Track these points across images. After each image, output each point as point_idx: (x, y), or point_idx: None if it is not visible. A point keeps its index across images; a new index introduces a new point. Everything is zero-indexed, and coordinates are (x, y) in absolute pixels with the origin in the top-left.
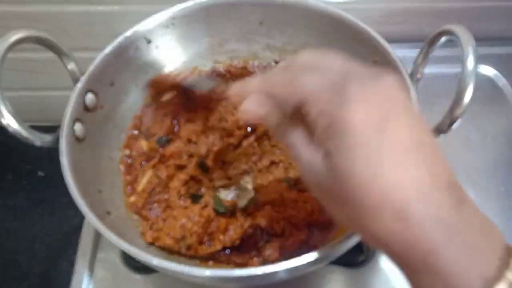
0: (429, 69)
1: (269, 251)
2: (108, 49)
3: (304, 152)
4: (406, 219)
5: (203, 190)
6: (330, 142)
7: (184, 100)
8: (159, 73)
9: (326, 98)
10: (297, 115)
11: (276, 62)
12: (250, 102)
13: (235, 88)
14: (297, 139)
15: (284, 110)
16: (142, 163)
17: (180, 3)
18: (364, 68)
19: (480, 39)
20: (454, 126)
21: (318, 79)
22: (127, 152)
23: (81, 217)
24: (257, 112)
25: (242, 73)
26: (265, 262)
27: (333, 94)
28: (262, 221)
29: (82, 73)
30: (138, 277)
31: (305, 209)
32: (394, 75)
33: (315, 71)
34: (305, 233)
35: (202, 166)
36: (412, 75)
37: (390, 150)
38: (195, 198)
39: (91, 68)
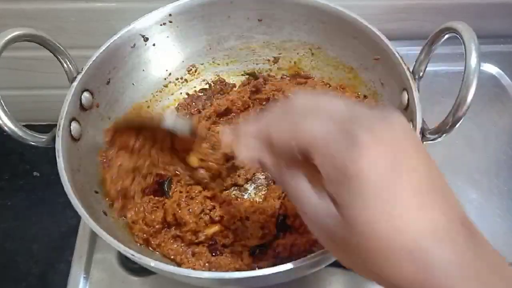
0: (431, 67)
1: (280, 248)
2: (104, 47)
3: (309, 199)
4: (421, 260)
5: None
6: (342, 191)
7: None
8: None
9: (334, 143)
10: (296, 160)
11: (275, 60)
12: (245, 148)
13: (226, 131)
14: (300, 184)
15: (282, 155)
16: None
17: (177, 0)
18: (369, 109)
19: (483, 37)
20: (457, 125)
21: (324, 123)
22: None
23: (78, 218)
24: (253, 157)
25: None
26: (276, 256)
27: (341, 139)
28: (290, 207)
29: (78, 72)
30: (135, 279)
31: None
32: (400, 115)
33: (318, 115)
34: None
35: None
36: (414, 73)
37: (406, 196)
38: None
39: (87, 66)
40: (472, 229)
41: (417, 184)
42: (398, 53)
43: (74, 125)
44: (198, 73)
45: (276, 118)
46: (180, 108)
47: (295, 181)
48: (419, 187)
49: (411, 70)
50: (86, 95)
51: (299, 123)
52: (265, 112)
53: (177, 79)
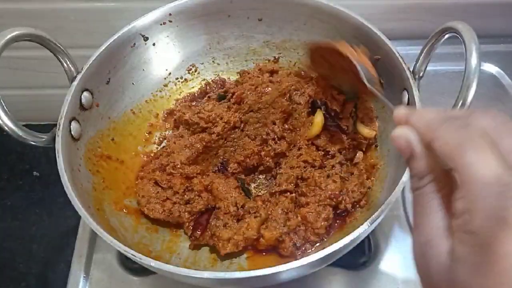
0: (431, 67)
1: None
2: (104, 47)
3: (435, 233)
4: None
5: None
6: (471, 258)
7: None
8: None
9: (491, 202)
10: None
11: (275, 59)
12: (411, 133)
13: (402, 110)
14: (433, 213)
15: (434, 165)
16: None
17: None
18: None
19: (483, 36)
20: None
21: (493, 167)
22: None
23: (78, 217)
24: (412, 146)
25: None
26: None
27: (499, 202)
28: None
29: (78, 71)
30: (135, 279)
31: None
32: None
33: (493, 152)
34: None
35: None
36: (414, 73)
37: None
38: None
39: (87, 66)
40: None
41: None
42: (398, 52)
43: (74, 124)
44: (198, 73)
45: (453, 127)
46: (179, 107)
47: (431, 204)
48: None
49: (411, 69)
50: (86, 94)
51: (470, 148)
52: (449, 114)
53: (177, 78)
